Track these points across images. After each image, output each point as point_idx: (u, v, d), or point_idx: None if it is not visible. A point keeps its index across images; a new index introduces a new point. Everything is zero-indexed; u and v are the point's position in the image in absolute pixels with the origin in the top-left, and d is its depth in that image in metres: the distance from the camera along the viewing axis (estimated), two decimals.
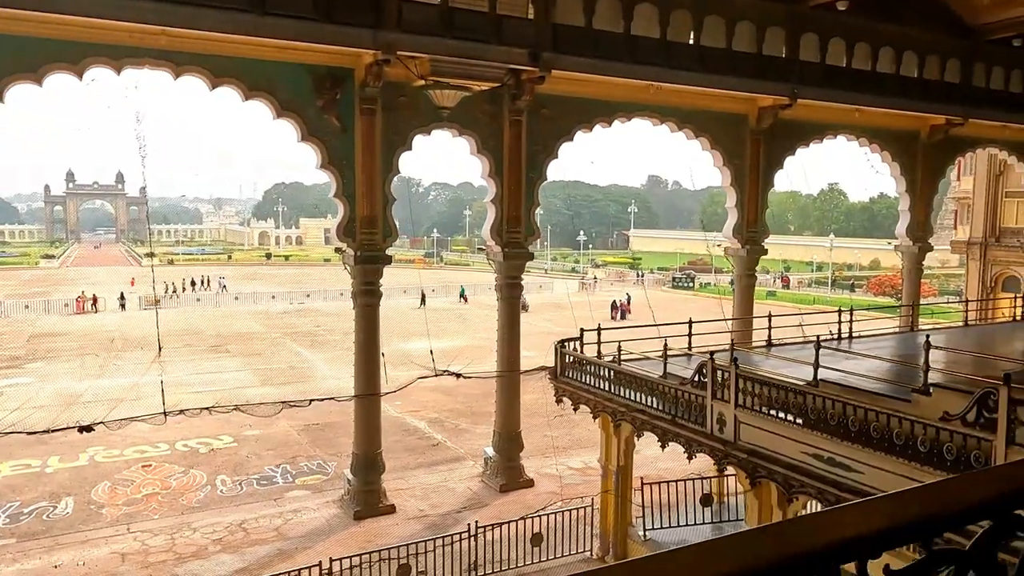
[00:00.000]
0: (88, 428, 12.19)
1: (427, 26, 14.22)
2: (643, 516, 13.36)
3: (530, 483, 17.19)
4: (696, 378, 10.20)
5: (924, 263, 23.53)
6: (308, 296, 53.40)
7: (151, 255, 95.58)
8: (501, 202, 16.53)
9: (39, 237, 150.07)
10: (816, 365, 9.65)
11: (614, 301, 44.94)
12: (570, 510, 13.83)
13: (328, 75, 14.41)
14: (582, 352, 13.48)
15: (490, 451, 17.55)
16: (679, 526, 13.43)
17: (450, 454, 19.77)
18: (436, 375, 15.19)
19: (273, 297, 52.59)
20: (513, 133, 16.29)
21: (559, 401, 13.31)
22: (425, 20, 14.23)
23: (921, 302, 41.46)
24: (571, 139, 17.19)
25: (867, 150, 22.05)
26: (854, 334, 16.99)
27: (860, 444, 8.04)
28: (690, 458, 10.37)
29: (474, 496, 16.77)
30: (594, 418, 12.68)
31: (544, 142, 16.77)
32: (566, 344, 13.30)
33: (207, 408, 13.83)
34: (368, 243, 15.07)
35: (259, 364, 31.34)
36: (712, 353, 10.01)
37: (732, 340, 10.91)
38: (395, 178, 15.90)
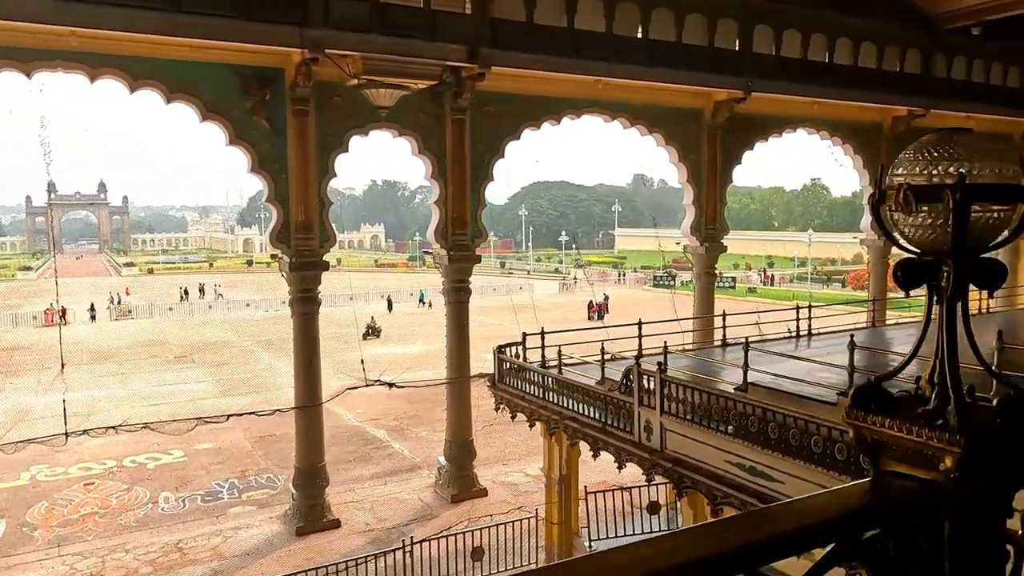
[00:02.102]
0: None
1: (357, 23, 13.71)
2: (588, 526, 12.90)
3: (483, 492, 16.70)
4: (623, 384, 9.73)
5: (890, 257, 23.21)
6: (284, 303, 52.73)
7: (131, 264, 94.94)
8: (445, 204, 16.04)
9: (22, 249, 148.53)
10: (745, 368, 9.20)
11: (590, 301, 44.48)
12: (514, 522, 13.35)
13: (256, 75, 13.89)
14: (525, 357, 13.01)
15: (443, 460, 17.05)
16: (626, 535, 12.97)
17: (406, 463, 19.27)
18: (367, 385, 14.67)
19: (248, 305, 51.91)
20: (456, 132, 15.80)
21: (498, 408, 12.83)
22: (355, 17, 13.72)
23: (898, 295, 41.25)
24: (518, 138, 16.73)
25: (829, 143, 21.69)
26: (815, 331, 16.62)
27: (780, 452, 7.59)
28: (620, 467, 9.90)
29: (424, 507, 16.26)
30: (530, 426, 12.21)
31: (489, 141, 16.29)
32: (504, 349, 12.82)
33: (113, 427, 13.26)
34: (304, 249, 14.54)
35: (224, 374, 30.75)
36: (638, 357, 9.55)
37: (665, 343, 10.43)
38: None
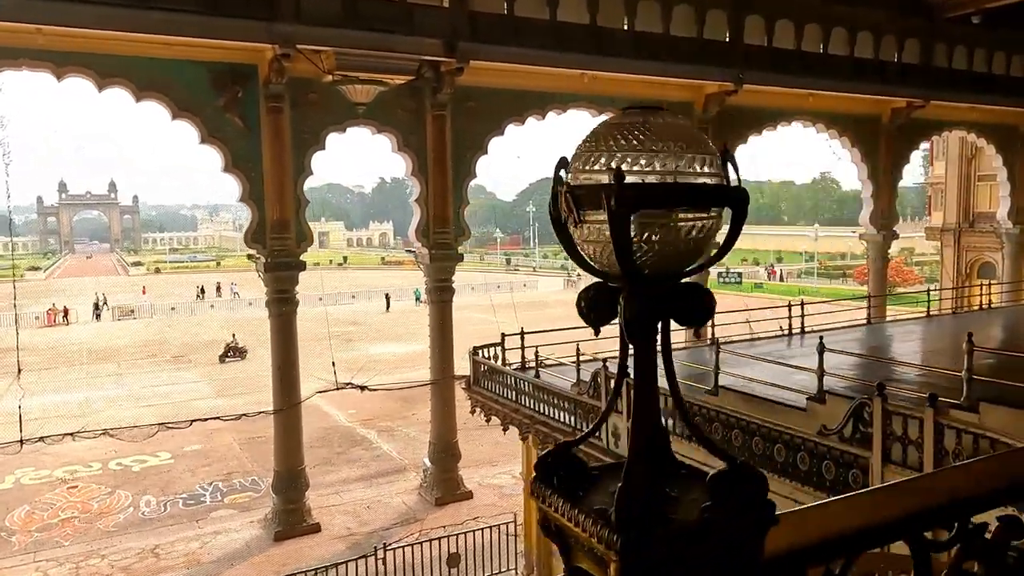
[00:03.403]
0: None
1: (329, 17, 13.40)
2: None
3: (469, 495, 16.39)
4: (591, 387, 9.38)
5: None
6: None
7: (138, 264, 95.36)
8: (427, 202, 15.71)
9: (33, 249, 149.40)
10: (716, 370, 8.82)
11: None
12: (492, 526, 13.02)
13: (228, 72, 13.60)
14: (504, 358, 12.67)
15: (427, 462, 16.76)
16: None
17: (393, 465, 19.00)
18: (337, 388, 14.38)
19: (250, 304, 51.78)
20: (436, 128, 15.46)
21: (474, 412, 12.51)
22: (327, 11, 13.41)
23: (907, 290, 40.57)
24: (501, 133, 16.37)
25: (826, 136, 21.19)
26: (810, 328, 16.19)
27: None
28: None
29: (408, 511, 15.97)
30: (504, 430, 11.88)
31: (471, 137, 15.95)
32: (479, 351, 12.49)
33: (70, 434, 13.03)
34: (279, 249, 14.26)
35: (220, 374, 30.56)
36: (605, 361, 9.20)
37: None
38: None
